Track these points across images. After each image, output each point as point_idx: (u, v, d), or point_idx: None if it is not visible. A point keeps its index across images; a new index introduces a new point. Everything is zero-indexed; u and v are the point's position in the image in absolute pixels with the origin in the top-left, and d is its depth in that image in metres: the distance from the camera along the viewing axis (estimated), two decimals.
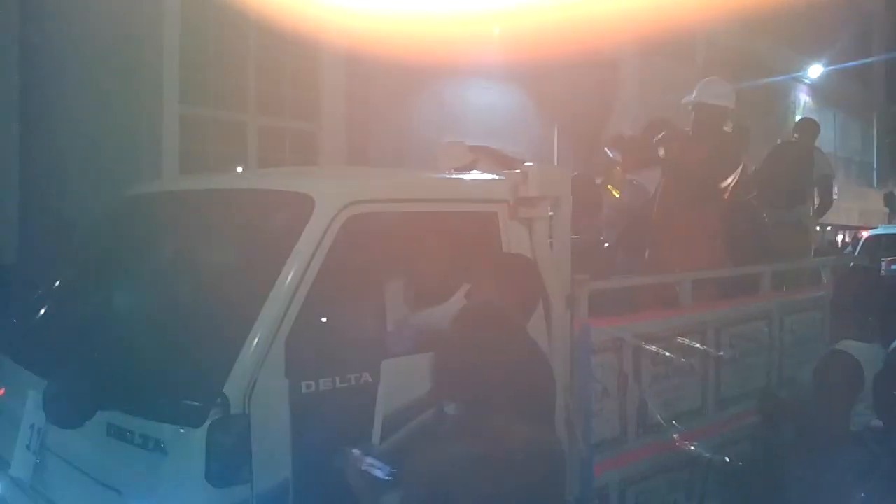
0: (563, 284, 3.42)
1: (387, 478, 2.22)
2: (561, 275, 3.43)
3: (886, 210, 18.96)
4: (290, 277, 2.65)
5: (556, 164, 12.18)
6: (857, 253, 8.78)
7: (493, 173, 3.74)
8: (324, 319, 2.75)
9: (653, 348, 3.73)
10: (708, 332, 4.05)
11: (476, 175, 3.77)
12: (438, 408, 2.54)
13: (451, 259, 3.16)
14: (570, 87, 11.62)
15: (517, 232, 3.37)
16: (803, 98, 18.56)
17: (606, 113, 12.38)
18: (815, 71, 17.71)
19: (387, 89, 9.16)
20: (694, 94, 4.87)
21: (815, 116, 19.12)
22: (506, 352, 2.15)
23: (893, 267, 6.11)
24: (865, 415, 3.38)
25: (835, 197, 8.18)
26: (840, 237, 17.22)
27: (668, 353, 3.81)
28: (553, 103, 12.15)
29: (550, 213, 3.45)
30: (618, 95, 12.64)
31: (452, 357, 2.19)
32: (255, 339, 2.52)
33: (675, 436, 3.81)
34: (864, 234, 9.16)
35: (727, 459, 4.00)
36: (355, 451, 2.36)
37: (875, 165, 22.29)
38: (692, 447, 3.87)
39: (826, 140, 20.03)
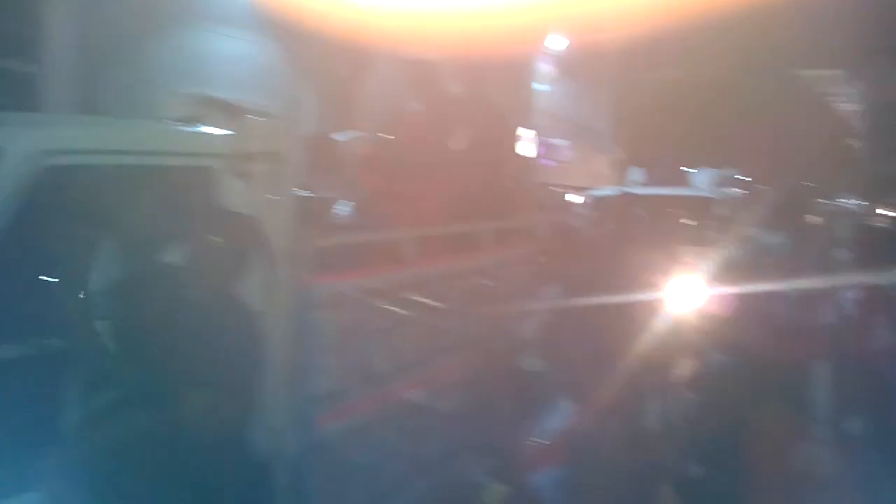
0: (286, 241, 3.41)
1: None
2: (284, 231, 3.41)
3: (614, 173, 20.87)
4: None
5: (311, 123, 12.05)
6: (582, 212, 9.55)
7: (217, 127, 3.61)
8: (7, 281, 2.52)
9: (378, 302, 3.84)
10: (432, 285, 4.23)
11: (193, 127, 3.61)
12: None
13: (161, 216, 3.02)
14: (323, 43, 11.47)
15: (236, 188, 3.29)
16: (545, 67, 19.78)
17: (363, 72, 12.37)
18: (557, 42, 18.94)
19: (123, 31, 8.49)
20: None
21: (556, 85, 20.64)
22: (169, 312, 2.09)
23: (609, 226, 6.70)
24: None
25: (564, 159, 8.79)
26: (572, 198, 18.74)
27: (392, 307, 3.94)
28: (308, 62, 11.94)
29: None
30: (375, 53, 12.66)
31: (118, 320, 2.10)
32: None
33: (398, 385, 3.97)
34: (591, 194, 9.97)
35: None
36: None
37: (606, 132, 24.40)
38: (415, 395, 4.05)
39: (563, 107, 21.61)
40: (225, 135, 3.32)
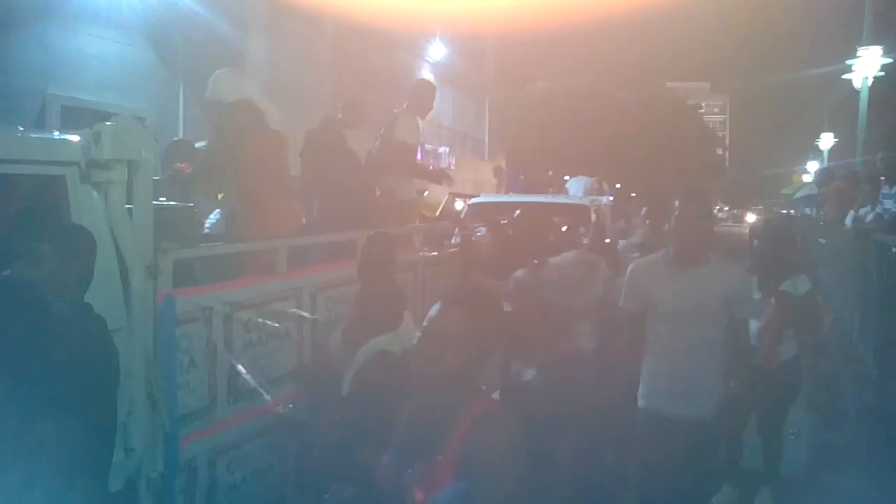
0: (143, 254, 3.26)
1: None
2: (141, 244, 3.26)
3: (495, 181, 21.29)
4: None
5: (181, 124, 11.67)
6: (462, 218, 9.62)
7: (75, 131, 3.41)
8: None
9: (244, 315, 3.73)
10: (303, 296, 4.15)
11: (42, 133, 3.40)
12: None
13: (8, 227, 2.83)
14: (195, 43, 11.13)
15: (89, 198, 3.12)
16: (426, 76, 19.94)
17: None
18: (437, 51, 19.14)
19: None
20: (208, 92, 4.68)
21: (439, 95, 20.71)
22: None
23: (479, 232, 6.78)
24: None
25: (446, 166, 8.83)
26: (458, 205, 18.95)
27: (261, 320, 3.83)
28: (179, 60, 11.56)
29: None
30: (247, 58, 12.41)
31: None
32: None
33: (269, 400, 3.85)
34: (468, 202, 10.08)
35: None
36: None
37: (486, 140, 24.83)
38: (287, 409, 3.94)
39: (445, 115, 21.85)
40: (77, 142, 3.14)
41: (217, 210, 5.16)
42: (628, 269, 3.92)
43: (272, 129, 4.68)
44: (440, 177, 7.49)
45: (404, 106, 6.20)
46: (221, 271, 4.00)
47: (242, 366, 3.71)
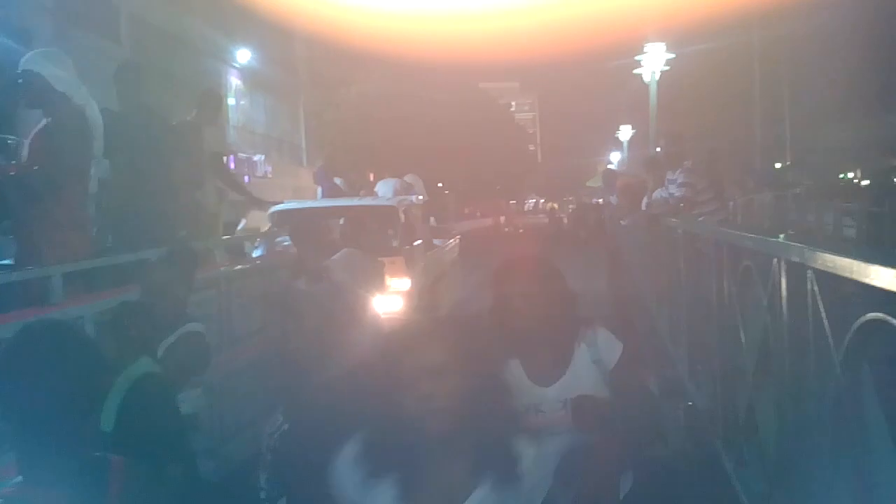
0: None
1: None
2: None
3: (316, 186, 21.04)
4: None
5: None
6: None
7: None
8: None
9: None
10: (86, 327, 3.87)
11: None
12: None
13: None
14: None
15: None
16: (234, 81, 19.35)
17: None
18: (244, 56, 18.61)
19: None
20: (41, 66, 4.38)
21: (246, 100, 20.14)
22: None
23: (284, 242, 6.68)
24: None
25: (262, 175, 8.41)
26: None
27: None
28: None
29: None
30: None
31: None
32: None
33: None
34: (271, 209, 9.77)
35: None
36: None
37: (304, 145, 24.48)
38: None
39: (258, 122, 21.34)
40: None
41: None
42: None
43: (91, 152, 4.37)
44: (259, 203, 7.36)
45: (193, 115, 6.02)
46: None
47: None
